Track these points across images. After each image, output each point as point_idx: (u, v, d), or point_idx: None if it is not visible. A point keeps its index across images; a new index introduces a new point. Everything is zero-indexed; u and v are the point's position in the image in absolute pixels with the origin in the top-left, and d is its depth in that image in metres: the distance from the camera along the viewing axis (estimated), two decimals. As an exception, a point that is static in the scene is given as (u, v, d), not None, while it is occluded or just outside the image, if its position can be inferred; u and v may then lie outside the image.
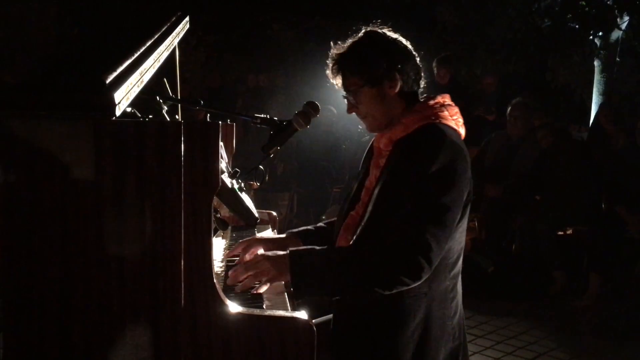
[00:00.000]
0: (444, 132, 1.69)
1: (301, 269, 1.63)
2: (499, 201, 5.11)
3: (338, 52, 1.82)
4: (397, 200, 1.65)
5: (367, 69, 1.77)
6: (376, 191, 1.74)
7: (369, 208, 1.75)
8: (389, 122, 1.81)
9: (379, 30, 1.83)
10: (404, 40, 1.83)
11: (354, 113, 1.87)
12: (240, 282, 1.70)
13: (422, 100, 1.82)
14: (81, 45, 2.27)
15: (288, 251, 1.68)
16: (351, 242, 1.79)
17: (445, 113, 1.77)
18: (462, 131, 1.81)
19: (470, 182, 1.72)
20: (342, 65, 1.81)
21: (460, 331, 1.81)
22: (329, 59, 1.84)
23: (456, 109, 1.82)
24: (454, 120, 1.79)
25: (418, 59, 1.84)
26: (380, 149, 1.85)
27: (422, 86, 1.86)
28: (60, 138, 1.32)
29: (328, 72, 1.85)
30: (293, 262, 1.63)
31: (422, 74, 1.86)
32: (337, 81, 1.84)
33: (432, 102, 1.79)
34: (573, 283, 4.61)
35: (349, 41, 1.83)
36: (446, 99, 1.82)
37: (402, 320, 1.69)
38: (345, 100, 1.86)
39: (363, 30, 1.84)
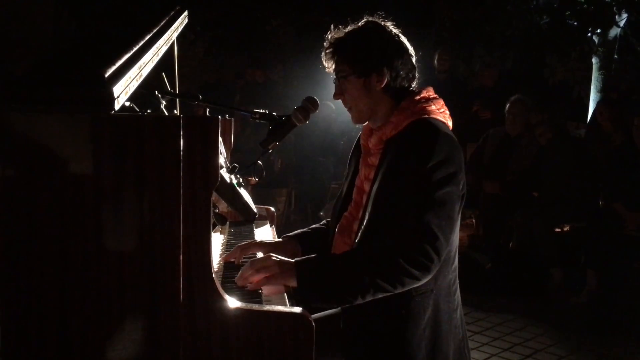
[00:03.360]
0: (437, 126, 1.69)
1: (307, 275, 1.59)
2: (497, 198, 5.12)
3: (335, 36, 1.81)
4: (398, 199, 1.64)
5: (357, 58, 1.76)
6: (373, 191, 1.73)
7: (368, 209, 1.73)
8: (373, 115, 1.81)
9: (380, 22, 1.82)
10: (402, 37, 1.82)
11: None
12: (250, 282, 1.64)
13: (408, 96, 1.80)
14: (79, 39, 2.26)
15: (294, 260, 1.64)
16: (354, 246, 1.77)
17: (433, 107, 1.77)
18: (450, 123, 1.81)
19: (464, 172, 1.72)
20: (336, 49, 1.80)
21: (462, 323, 1.82)
22: (326, 41, 1.83)
23: (441, 101, 1.82)
24: (442, 113, 1.79)
25: (414, 58, 1.83)
26: (368, 147, 1.85)
27: (414, 85, 1.84)
28: (58, 132, 1.31)
29: (323, 54, 1.84)
30: (299, 268, 1.59)
31: (417, 74, 1.84)
32: (329, 64, 1.84)
33: (417, 97, 1.78)
34: (570, 280, 4.62)
35: (349, 27, 1.81)
36: (430, 92, 1.82)
37: (412, 319, 1.68)
38: (334, 85, 1.85)
39: (365, 19, 1.83)
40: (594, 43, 6.92)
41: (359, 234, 1.76)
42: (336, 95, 1.85)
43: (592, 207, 4.70)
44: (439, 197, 1.60)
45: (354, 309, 1.69)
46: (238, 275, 1.67)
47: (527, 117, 5.30)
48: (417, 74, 1.84)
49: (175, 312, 1.35)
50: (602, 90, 6.86)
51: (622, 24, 6.65)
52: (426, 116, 1.73)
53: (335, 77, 1.83)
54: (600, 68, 6.95)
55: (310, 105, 2.00)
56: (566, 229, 4.71)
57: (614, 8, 6.42)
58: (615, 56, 6.95)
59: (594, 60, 7.02)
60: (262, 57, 8.78)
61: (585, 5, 6.57)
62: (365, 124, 1.88)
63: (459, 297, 1.83)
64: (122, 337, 1.34)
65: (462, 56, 7.86)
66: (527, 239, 4.75)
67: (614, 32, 6.77)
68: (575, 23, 6.78)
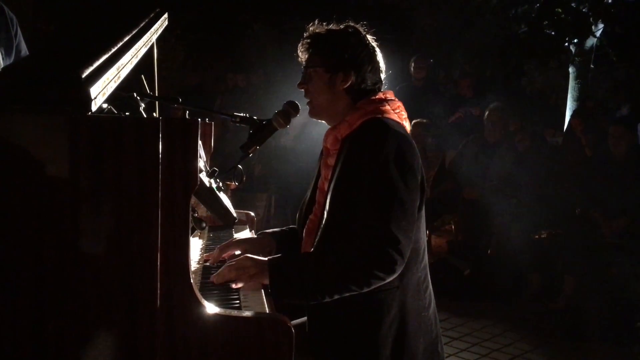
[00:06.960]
0: (387, 124, 1.73)
1: (279, 274, 1.64)
2: (476, 204, 5.16)
3: (317, 30, 1.89)
4: (352, 197, 1.67)
5: (329, 54, 1.83)
6: (330, 191, 1.76)
7: (326, 208, 1.75)
8: (329, 112, 1.87)
9: (361, 30, 1.88)
10: (378, 50, 1.88)
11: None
12: (225, 281, 1.69)
13: (364, 97, 1.85)
14: (57, 40, 2.22)
15: (267, 259, 1.68)
16: (315, 245, 1.79)
17: (387, 107, 1.82)
18: (407, 125, 1.86)
19: (422, 168, 1.75)
20: (313, 42, 1.87)
21: (435, 322, 1.84)
22: (306, 33, 1.90)
23: (398, 103, 1.87)
24: (397, 113, 1.83)
25: (383, 75, 1.89)
26: (328, 148, 1.89)
27: (376, 96, 1.87)
28: (35, 133, 1.28)
29: (300, 44, 1.90)
30: (271, 267, 1.64)
31: (381, 87, 1.89)
32: (303, 55, 1.90)
33: (374, 97, 1.84)
34: (548, 285, 4.66)
35: (331, 26, 1.89)
36: (388, 94, 1.87)
37: (377, 316, 1.70)
38: (302, 75, 1.90)
39: (347, 23, 1.90)
40: (571, 52, 7.02)
41: (318, 234, 1.78)
42: (300, 84, 1.90)
43: (569, 214, 4.75)
44: (396, 198, 1.63)
45: (319, 309, 1.71)
46: (216, 273, 1.71)
47: (506, 124, 5.36)
48: (382, 88, 1.90)
49: (153, 317, 1.33)
50: (579, 99, 6.95)
51: (598, 34, 6.75)
52: (379, 115, 1.78)
53: (304, 67, 1.89)
54: (576, 77, 7.05)
55: (291, 109, 2.00)
56: (544, 235, 4.76)
57: (591, 18, 6.52)
58: (592, 66, 7.06)
59: (570, 69, 7.11)
60: (243, 61, 8.75)
61: (563, 15, 6.66)
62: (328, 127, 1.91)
63: (432, 295, 1.85)
64: (98, 342, 1.31)
65: (441, 64, 7.92)
66: (506, 245, 4.79)
67: (590, 42, 6.88)
68: (553, 33, 6.87)
